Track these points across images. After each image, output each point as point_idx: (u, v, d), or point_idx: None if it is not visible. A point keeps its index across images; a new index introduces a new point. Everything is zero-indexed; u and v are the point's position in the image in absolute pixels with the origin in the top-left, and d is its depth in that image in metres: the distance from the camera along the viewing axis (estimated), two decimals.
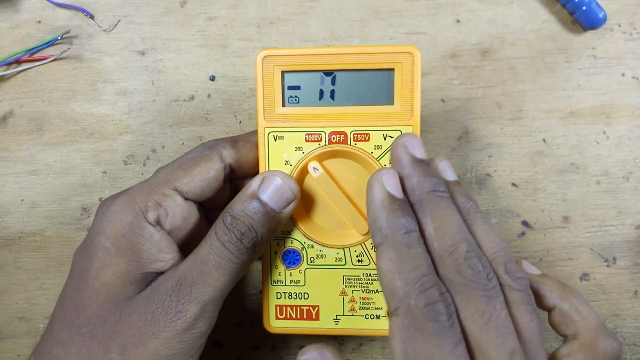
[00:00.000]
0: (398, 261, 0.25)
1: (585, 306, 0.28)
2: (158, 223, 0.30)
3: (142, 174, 0.40)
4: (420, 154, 0.29)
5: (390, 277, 0.25)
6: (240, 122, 0.40)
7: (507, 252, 0.27)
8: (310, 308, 0.33)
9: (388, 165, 0.31)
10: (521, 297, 0.26)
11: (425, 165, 0.28)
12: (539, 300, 0.29)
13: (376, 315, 0.32)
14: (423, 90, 0.39)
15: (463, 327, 0.25)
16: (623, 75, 0.39)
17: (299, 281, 0.33)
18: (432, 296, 0.24)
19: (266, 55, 0.31)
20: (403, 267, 0.25)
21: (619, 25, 0.39)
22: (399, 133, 0.31)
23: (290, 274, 0.33)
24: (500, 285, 0.26)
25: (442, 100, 0.39)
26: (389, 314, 0.26)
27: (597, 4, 0.38)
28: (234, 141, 0.32)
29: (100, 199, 0.40)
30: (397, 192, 0.27)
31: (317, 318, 0.33)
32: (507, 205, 0.40)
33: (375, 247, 0.27)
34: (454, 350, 0.24)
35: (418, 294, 0.24)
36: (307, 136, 0.32)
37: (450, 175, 0.30)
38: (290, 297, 0.33)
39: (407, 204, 0.27)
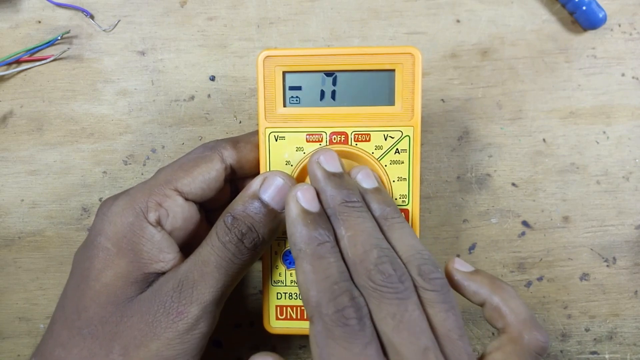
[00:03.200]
0: (311, 273, 0.26)
1: (515, 300, 0.29)
2: (159, 224, 0.30)
3: (142, 174, 0.40)
4: (333, 168, 0.29)
5: (304, 288, 0.26)
6: (240, 122, 0.39)
7: (424, 254, 0.27)
8: None
9: (390, 165, 0.32)
10: (435, 297, 0.26)
11: (338, 179, 0.29)
12: (471, 296, 0.30)
13: None
14: (423, 90, 0.39)
15: (378, 330, 0.26)
16: (623, 75, 0.39)
17: None
18: (341, 302, 0.25)
19: (267, 56, 0.31)
20: (315, 278, 0.26)
21: (619, 25, 0.39)
22: (400, 134, 0.31)
23: (291, 274, 0.33)
24: (416, 287, 0.26)
25: (442, 100, 0.39)
26: (308, 321, 0.27)
27: (597, 4, 0.38)
28: (234, 142, 0.32)
29: (100, 199, 0.40)
30: (311, 206, 0.28)
31: None
32: (507, 205, 0.40)
33: (294, 260, 0.28)
34: (364, 351, 0.25)
35: (328, 302, 0.25)
36: (308, 136, 0.32)
37: (368, 183, 0.30)
38: (290, 297, 0.33)
39: (323, 216, 0.28)
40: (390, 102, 0.31)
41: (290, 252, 0.32)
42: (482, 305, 0.30)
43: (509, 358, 0.28)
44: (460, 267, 0.31)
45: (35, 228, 0.40)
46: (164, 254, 0.29)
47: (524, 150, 0.39)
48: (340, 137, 0.31)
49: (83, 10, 0.39)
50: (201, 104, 0.39)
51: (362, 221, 0.28)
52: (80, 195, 0.40)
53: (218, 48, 0.39)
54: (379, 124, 0.31)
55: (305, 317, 0.33)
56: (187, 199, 0.31)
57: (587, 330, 0.40)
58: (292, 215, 0.28)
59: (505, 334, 0.28)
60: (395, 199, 0.32)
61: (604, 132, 0.39)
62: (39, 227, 0.40)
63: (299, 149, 0.32)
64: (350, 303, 0.25)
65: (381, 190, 0.30)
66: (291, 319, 0.33)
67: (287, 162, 0.32)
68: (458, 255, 0.40)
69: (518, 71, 0.39)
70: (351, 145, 0.31)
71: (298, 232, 0.27)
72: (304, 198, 0.28)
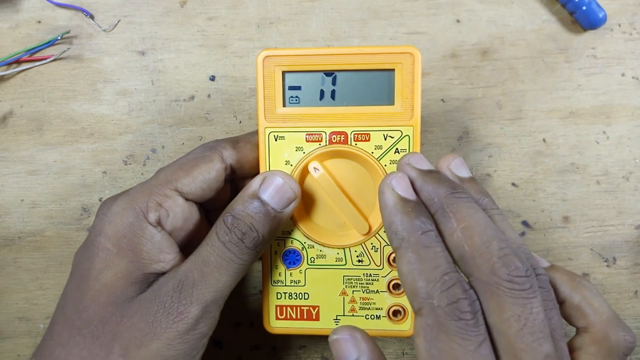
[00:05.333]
0: (417, 262, 0.25)
1: (597, 298, 0.27)
2: (159, 224, 0.30)
3: (142, 174, 0.40)
4: (426, 166, 0.28)
5: (411, 278, 0.25)
6: (240, 122, 0.39)
7: (525, 248, 0.26)
8: (311, 308, 0.33)
9: (389, 165, 0.32)
10: (543, 294, 0.25)
11: (435, 174, 0.28)
12: None
13: (376, 316, 0.32)
14: (423, 90, 0.39)
15: (494, 329, 0.24)
16: (623, 75, 0.39)
17: (299, 281, 0.33)
18: (454, 294, 0.24)
19: (267, 56, 0.31)
20: (423, 268, 0.25)
21: (619, 25, 0.39)
22: (400, 133, 0.31)
23: (291, 274, 0.33)
24: None
25: (442, 100, 0.39)
26: (414, 313, 0.26)
27: (597, 4, 0.38)
28: (234, 142, 0.32)
29: (100, 199, 0.40)
30: (409, 194, 0.27)
31: (317, 318, 0.33)
32: (507, 205, 0.40)
33: (394, 251, 0.27)
34: (479, 350, 0.23)
35: (440, 293, 0.24)
36: (307, 136, 0.32)
37: (463, 172, 0.29)
38: (290, 297, 0.33)
39: (421, 205, 0.27)
40: (390, 101, 0.31)
41: (290, 252, 0.32)
42: (560, 303, 0.28)
43: (595, 359, 0.26)
44: (537, 262, 0.28)
45: (35, 228, 0.40)
46: (164, 254, 0.29)
47: (524, 150, 0.39)
48: (340, 137, 0.31)
49: (83, 10, 0.39)
50: (201, 104, 0.39)
51: (474, 211, 0.26)
52: (80, 195, 0.40)
53: (218, 48, 0.39)
54: (378, 124, 0.31)
55: (304, 317, 0.33)
56: (187, 199, 0.31)
57: None
58: (390, 204, 0.27)
59: (587, 333, 0.27)
60: None
61: (604, 132, 0.39)
62: (39, 227, 0.40)
63: (298, 148, 0.32)
64: (464, 295, 0.24)
65: (476, 180, 0.29)
66: (291, 318, 0.33)
67: (287, 162, 0.32)
68: None
69: (518, 71, 0.39)
70: (351, 145, 0.31)
71: (398, 221, 0.26)
72: (399, 186, 0.27)
